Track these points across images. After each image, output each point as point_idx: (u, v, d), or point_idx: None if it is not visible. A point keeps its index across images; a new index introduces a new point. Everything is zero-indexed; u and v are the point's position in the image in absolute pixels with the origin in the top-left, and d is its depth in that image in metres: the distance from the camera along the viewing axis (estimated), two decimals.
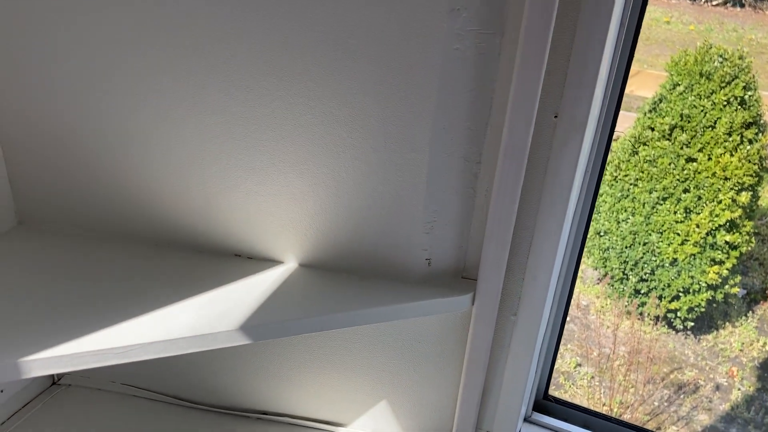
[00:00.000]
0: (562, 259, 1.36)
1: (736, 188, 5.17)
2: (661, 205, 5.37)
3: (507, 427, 1.47)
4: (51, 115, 1.33)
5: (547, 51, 1.07)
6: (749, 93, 5.15)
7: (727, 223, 5.22)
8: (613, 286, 5.72)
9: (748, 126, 5.16)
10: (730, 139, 5.14)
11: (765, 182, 5.29)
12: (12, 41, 1.28)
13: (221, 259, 1.37)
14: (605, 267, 5.70)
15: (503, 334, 1.37)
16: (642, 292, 5.53)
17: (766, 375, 5.44)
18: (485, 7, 1.08)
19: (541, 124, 1.15)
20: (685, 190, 5.28)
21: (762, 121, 5.25)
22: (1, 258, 1.34)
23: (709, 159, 5.18)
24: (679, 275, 5.36)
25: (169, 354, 1.15)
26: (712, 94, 5.19)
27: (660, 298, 5.46)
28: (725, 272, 5.34)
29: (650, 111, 5.48)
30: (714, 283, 5.33)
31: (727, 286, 5.44)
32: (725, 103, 5.15)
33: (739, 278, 5.52)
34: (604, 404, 5.07)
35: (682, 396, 5.24)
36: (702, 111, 5.20)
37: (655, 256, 5.41)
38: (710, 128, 5.18)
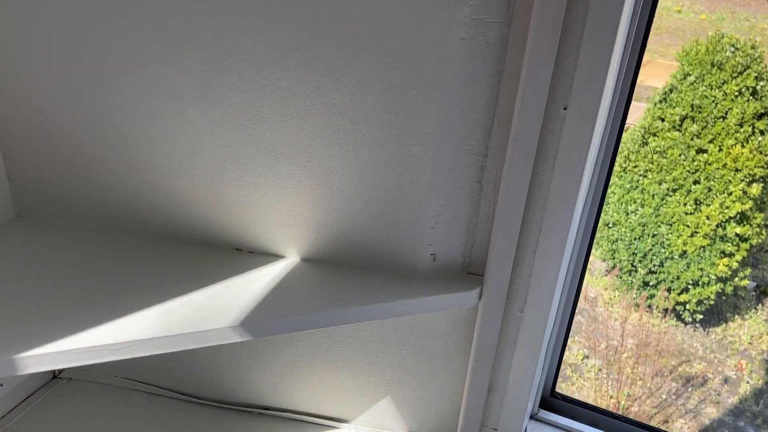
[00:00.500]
0: (570, 255, 1.33)
1: (747, 180, 5.12)
2: (671, 196, 5.32)
3: (513, 424, 1.44)
4: (49, 107, 1.31)
5: (558, 40, 1.04)
6: (761, 83, 5.08)
7: (738, 215, 5.17)
8: (621, 278, 5.68)
9: (760, 117, 5.10)
10: (742, 130, 5.08)
11: None
12: (9, 34, 1.25)
13: (222, 254, 1.35)
14: (613, 259, 5.67)
15: (509, 330, 1.34)
16: (651, 284, 5.49)
17: None
18: None
19: (549, 116, 1.12)
20: (696, 182, 5.22)
21: None
22: (0, 250, 1.32)
23: (720, 150, 5.13)
24: (688, 267, 5.31)
25: (167, 350, 1.13)
26: (723, 84, 5.12)
27: (669, 290, 5.42)
28: (735, 264, 5.29)
29: (660, 101, 5.42)
30: (724, 275, 5.29)
31: (737, 279, 5.39)
32: (737, 93, 5.09)
33: (749, 270, 5.47)
34: (611, 397, 5.05)
35: (690, 389, 5.21)
36: (713, 101, 5.14)
37: (664, 248, 5.36)
38: (721, 119, 5.12)
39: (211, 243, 1.36)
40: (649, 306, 5.55)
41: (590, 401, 5.05)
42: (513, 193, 1.17)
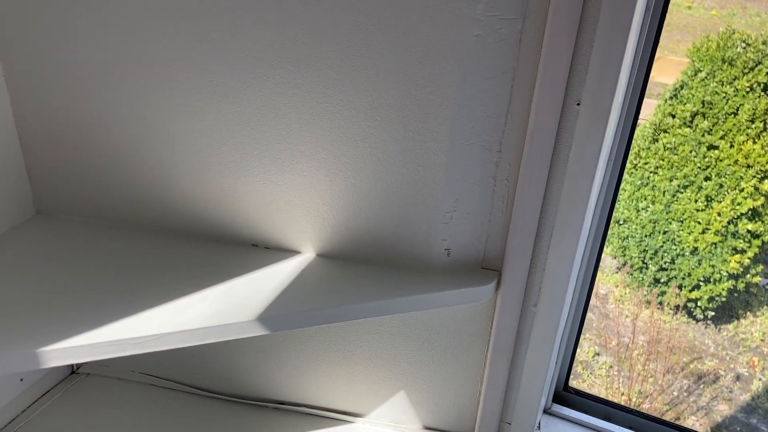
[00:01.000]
0: (583, 249, 1.34)
1: (759, 176, 5.09)
2: (682, 193, 5.30)
3: (527, 418, 1.45)
4: (69, 106, 1.33)
5: (575, 36, 1.05)
6: None
7: (750, 212, 5.15)
8: (632, 275, 5.66)
9: None
10: (753, 126, 5.05)
11: None
12: (30, 32, 1.28)
13: (238, 249, 1.36)
14: (624, 256, 5.65)
15: (524, 325, 1.35)
16: (662, 281, 5.47)
17: None
18: None
19: (563, 112, 1.13)
20: (707, 178, 5.20)
21: None
22: (20, 248, 1.34)
23: (732, 146, 5.10)
24: (699, 264, 5.29)
25: (185, 344, 1.15)
26: (734, 80, 5.10)
27: (680, 287, 5.40)
28: (747, 261, 5.27)
29: (671, 98, 5.40)
30: (735, 272, 5.26)
31: (748, 276, 5.37)
32: (748, 89, 5.06)
33: (761, 267, 5.44)
34: (622, 394, 5.04)
35: (701, 386, 5.20)
36: (724, 97, 5.12)
37: (675, 244, 5.35)
38: (733, 115, 5.10)
39: (229, 239, 1.38)
40: (660, 303, 5.53)
41: None
42: (530, 188, 1.19)
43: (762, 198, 5.14)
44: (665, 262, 5.43)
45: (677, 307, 5.50)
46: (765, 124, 5.08)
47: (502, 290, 1.30)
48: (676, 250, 5.37)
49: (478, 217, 1.26)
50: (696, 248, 5.29)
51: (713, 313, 5.54)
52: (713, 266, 5.28)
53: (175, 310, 1.18)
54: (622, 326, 5.60)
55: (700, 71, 5.27)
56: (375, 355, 1.48)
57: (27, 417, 1.52)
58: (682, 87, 5.38)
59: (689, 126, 5.27)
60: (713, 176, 5.19)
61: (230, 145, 1.28)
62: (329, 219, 1.31)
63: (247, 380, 1.60)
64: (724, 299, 5.43)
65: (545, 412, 1.51)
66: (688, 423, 4.90)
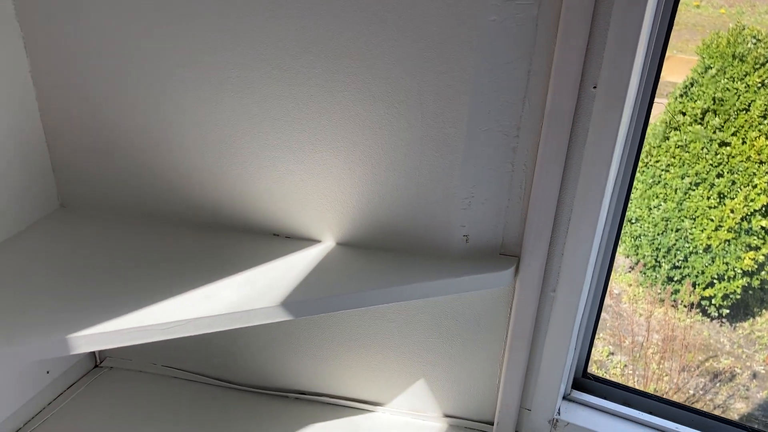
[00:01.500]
0: (601, 234, 1.35)
1: None
2: (694, 190, 5.28)
3: (547, 405, 1.46)
4: (91, 101, 1.36)
5: (591, 19, 1.06)
6: None
7: (763, 208, 5.12)
8: (645, 273, 5.64)
9: None
10: (766, 121, 5.03)
11: None
12: (57, 29, 1.30)
13: (260, 239, 1.38)
14: (637, 254, 5.63)
15: (543, 310, 1.36)
16: (675, 279, 5.45)
17: None
18: None
19: (580, 95, 1.14)
20: (719, 175, 5.18)
21: None
22: (45, 240, 1.37)
23: (744, 143, 5.09)
24: (713, 262, 5.27)
25: (211, 330, 1.17)
26: (745, 76, 5.09)
27: (694, 285, 5.38)
28: (761, 258, 5.23)
29: (681, 95, 5.39)
30: (750, 269, 5.23)
31: (763, 273, 5.33)
32: (759, 85, 5.05)
33: None
34: None
35: (717, 384, 5.17)
36: (735, 94, 5.10)
37: (688, 242, 5.33)
38: (744, 111, 5.08)
39: (250, 229, 1.40)
40: (674, 301, 5.51)
41: None
42: (548, 173, 1.20)
43: None
44: (678, 260, 5.40)
45: (691, 305, 5.47)
46: None
47: (521, 276, 1.31)
48: (689, 247, 5.35)
49: (497, 203, 1.28)
50: (709, 246, 5.27)
51: (728, 311, 5.51)
52: (727, 264, 5.26)
53: (200, 298, 1.20)
54: (636, 325, 5.57)
55: (711, 68, 5.26)
56: (394, 344, 1.50)
57: (53, 409, 1.55)
58: (692, 84, 5.37)
59: (700, 123, 5.25)
60: (725, 173, 5.17)
61: (251, 136, 1.30)
62: (349, 207, 1.33)
63: (267, 371, 1.62)
64: (738, 297, 5.39)
65: (564, 398, 1.51)
66: None
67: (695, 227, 5.29)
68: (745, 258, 5.21)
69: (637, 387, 5.06)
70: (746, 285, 5.33)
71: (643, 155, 5.50)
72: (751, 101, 5.04)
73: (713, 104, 5.20)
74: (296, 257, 1.33)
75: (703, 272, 5.32)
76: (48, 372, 1.52)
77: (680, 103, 5.37)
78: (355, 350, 1.53)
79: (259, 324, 1.20)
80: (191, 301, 1.19)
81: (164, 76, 1.29)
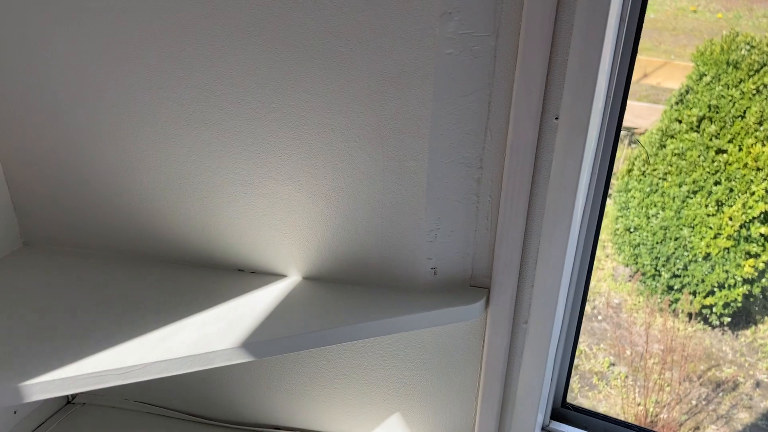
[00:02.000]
0: (572, 263, 1.32)
1: None
2: (692, 198, 5.25)
3: None
4: (52, 137, 1.34)
5: (549, 49, 1.04)
6: None
7: (762, 215, 5.08)
8: (645, 282, 5.60)
9: None
10: (762, 128, 5.00)
11: None
12: (10, 63, 1.29)
13: (224, 275, 1.36)
14: (636, 264, 5.60)
15: (516, 342, 1.33)
16: (675, 288, 5.41)
17: None
18: (478, 9, 1.05)
19: (542, 126, 1.12)
20: (716, 183, 5.15)
21: None
22: (7, 280, 1.35)
23: (740, 150, 5.05)
24: (713, 270, 5.23)
25: (169, 374, 1.14)
26: (740, 83, 5.06)
27: (694, 293, 5.33)
28: (762, 265, 5.19)
29: (677, 103, 5.36)
30: (750, 276, 5.19)
31: (764, 280, 5.29)
32: (755, 91, 5.02)
33: None
34: (639, 404, 4.97)
35: (720, 394, 5.11)
36: (731, 101, 5.07)
37: (687, 251, 5.29)
38: (740, 118, 5.05)
39: (213, 265, 1.38)
40: (674, 311, 5.46)
41: (617, 409, 4.98)
42: (514, 204, 1.17)
43: None
44: (678, 269, 5.37)
45: (691, 314, 5.43)
46: None
47: (492, 308, 1.28)
48: (688, 256, 5.31)
49: (463, 234, 1.25)
50: (708, 254, 5.23)
51: (729, 319, 5.46)
52: (727, 271, 5.21)
53: (159, 339, 1.18)
54: (636, 335, 5.53)
55: (705, 75, 5.24)
56: (368, 377, 1.47)
57: None
58: (687, 92, 5.35)
59: (696, 131, 5.22)
60: (723, 180, 5.14)
61: (212, 171, 1.27)
62: (314, 241, 1.30)
63: (242, 405, 1.59)
64: (740, 305, 5.35)
65: (543, 429, 1.48)
66: None
67: (694, 235, 5.25)
68: (745, 265, 5.16)
69: (638, 398, 5.02)
70: (747, 293, 5.28)
71: (639, 164, 5.48)
72: (747, 108, 5.01)
73: (709, 111, 5.17)
74: (261, 293, 1.30)
75: (703, 281, 5.28)
76: (15, 412, 1.50)
77: (676, 110, 5.34)
78: (330, 384, 1.50)
79: (220, 366, 1.17)
80: (150, 343, 1.17)
81: (121, 112, 1.27)
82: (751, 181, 5.04)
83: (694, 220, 5.25)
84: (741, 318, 5.58)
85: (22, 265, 1.39)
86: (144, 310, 1.26)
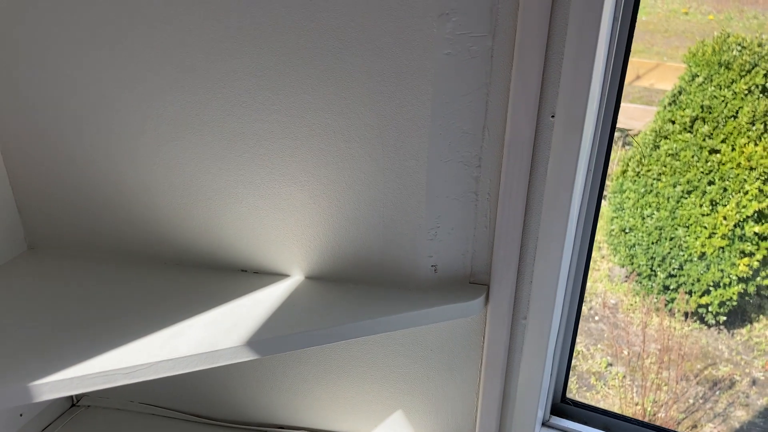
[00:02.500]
0: (569, 259, 1.34)
1: (763, 178, 5.07)
2: (686, 198, 5.28)
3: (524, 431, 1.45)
4: (56, 140, 1.36)
5: (545, 49, 1.06)
6: None
7: (755, 214, 5.12)
8: (641, 282, 5.63)
9: None
10: (754, 128, 5.04)
11: None
12: (15, 65, 1.31)
13: (227, 275, 1.38)
14: (632, 264, 5.63)
15: (515, 338, 1.35)
16: (671, 287, 5.44)
17: None
18: (475, 10, 1.07)
19: (538, 124, 1.14)
20: (710, 183, 5.19)
21: None
22: (12, 283, 1.36)
23: (733, 149, 5.09)
24: (708, 269, 5.26)
25: (176, 372, 1.16)
26: (732, 83, 5.10)
27: (689, 293, 5.36)
28: (756, 264, 5.22)
29: (670, 104, 5.40)
30: (745, 275, 5.22)
31: (759, 278, 5.32)
32: (746, 91, 5.06)
33: None
34: (636, 403, 4.99)
35: (717, 392, 5.14)
36: (723, 101, 5.11)
37: (682, 250, 5.32)
38: (732, 118, 5.09)
39: (217, 266, 1.40)
40: (670, 310, 5.49)
41: (616, 409, 4.99)
42: (512, 201, 1.20)
43: (767, 199, 5.11)
44: (673, 269, 5.40)
45: (687, 313, 5.46)
46: (765, 125, 5.07)
47: (491, 304, 1.31)
48: (683, 256, 5.34)
49: (463, 232, 1.27)
50: (704, 253, 5.26)
51: (725, 318, 5.49)
52: (722, 270, 5.25)
53: (165, 339, 1.20)
54: (633, 335, 5.56)
55: (698, 76, 5.28)
56: (370, 375, 1.49)
57: None
58: (680, 93, 5.39)
59: (690, 131, 5.26)
60: (716, 180, 5.17)
61: (214, 173, 1.29)
62: (315, 241, 1.32)
63: (246, 406, 1.61)
64: (735, 303, 5.38)
65: (543, 424, 1.50)
66: (705, 431, 4.83)
67: (689, 235, 5.28)
68: (739, 264, 5.20)
69: (635, 398, 5.04)
70: (742, 291, 5.32)
71: (634, 164, 5.51)
72: (739, 108, 5.05)
73: (701, 112, 5.21)
74: (264, 293, 1.32)
75: (698, 280, 5.31)
76: (21, 415, 1.51)
77: (669, 111, 5.38)
78: (332, 382, 1.52)
79: (226, 364, 1.19)
80: (156, 343, 1.18)
81: (124, 116, 1.29)
82: (745, 180, 5.08)
83: (688, 219, 5.28)
84: (736, 317, 5.61)
85: (27, 268, 1.41)
86: (149, 310, 1.28)
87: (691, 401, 5.05)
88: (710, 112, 5.17)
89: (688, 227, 5.30)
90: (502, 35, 1.09)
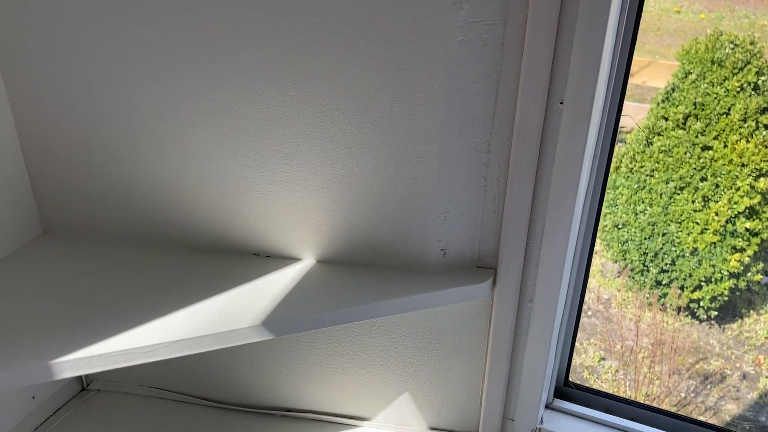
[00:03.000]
0: (575, 244, 1.38)
1: (754, 174, 5.13)
2: (679, 194, 5.34)
3: (529, 414, 1.48)
4: (71, 125, 1.38)
5: (555, 36, 1.09)
6: (762, 78, 5.12)
7: (747, 210, 5.18)
8: (633, 278, 5.69)
9: (763, 111, 5.12)
10: (746, 125, 5.10)
11: None
12: (34, 53, 1.33)
13: (240, 259, 1.40)
14: (625, 259, 5.68)
15: (521, 321, 1.38)
16: (663, 283, 5.50)
17: None
18: None
19: (547, 111, 1.17)
20: (702, 179, 5.25)
21: None
22: (28, 266, 1.38)
23: (725, 146, 5.15)
24: (700, 264, 5.32)
25: (193, 351, 1.19)
26: (725, 80, 5.16)
27: (681, 288, 5.42)
28: (747, 260, 5.29)
29: (663, 101, 5.46)
30: (736, 271, 5.28)
31: (749, 274, 5.39)
32: (739, 89, 5.12)
33: (761, 265, 5.46)
34: (629, 397, 5.04)
35: (708, 386, 5.20)
36: (716, 98, 5.17)
37: (674, 246, 5.38)
38: (725, 115, 5.15)
39: (230, 249, 1.42)
40: (663, 305, 5.55)
41: None
42: (520, 187, 1.23)
43: (758, 196, 5.18)
44: (666, 264, 5.45)
45: (680, 308, 5.52)
46: (757, 122, 5.13)
47: (498, 288, 1.34)
48: (675, 251, 5.40)
49: (472, 217, 1.30)
50: (696, 249, 5.32)
51: (716, 313, 5.56)
52: (714, 266, 5.30)
53: (182, 319, 1.22)
54: (625, 330, 5.61)
55: (691, 73, 5.33)
56: (378, 359, 1.52)
57: None
58: (673, 90, 5.44)
59: (682, 128, 5.32)
60: (709, 176, 5.23)
61: (229, 158, 1.32)
62: (327, 225, 1.35)
63: (254, 389, 1.64)
64: (726, 298, 5.44)
65: (547, 407, 1.53)
66: None
67: (681, 231, 5.34)
68: (731, 260, 5.26)
69: (628, 391, 5.09)
70: (733, 287, 5.38)
71: (627, 161, 5.57)
72: (731, 105, 5.11)
73: (694, 109, 5.26)
74: (276, 276, 1.35)
75: (690, 275, 5.37)
76: (34, 397, 1.53)
77: (662, 108, 5.43)
78: (340, 366, 1.55)
79: (241, 344, 1.21)
80: (173, 323, 1.21)
81: (139, 101, 1.31)
82: (737, 176, 5.15)
83: (681, 215, 5.34)
84: (727, 312, 5.68)
85: (43, 252, 1.43)
86: (164, 293, 1.30)
87: (682, 395, 5.11)
88: (703, 109, 5.23)
89: (680, 223, 5.35)
90: (513, 23, 1.12)
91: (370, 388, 1.56)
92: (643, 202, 5.51)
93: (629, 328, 5.60)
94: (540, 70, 1.13)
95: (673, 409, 4.99)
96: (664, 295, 5.52)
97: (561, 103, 1.16)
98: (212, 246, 1.43)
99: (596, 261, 6.28)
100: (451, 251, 1.34)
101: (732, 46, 5.17)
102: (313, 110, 1.24)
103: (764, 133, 5.10)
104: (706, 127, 5.21)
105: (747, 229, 5.22)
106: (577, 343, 5.47)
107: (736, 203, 5.16)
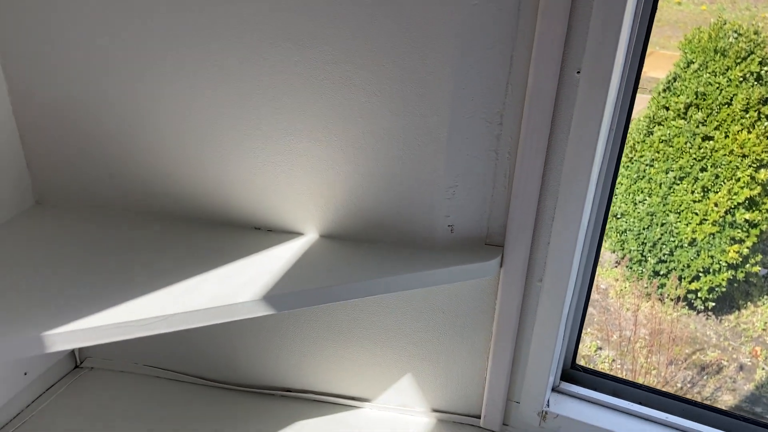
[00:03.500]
0: (587, 223, 1.34)
1: (755, 165, 5.10)
2: (678, 184, 5.31)
3: (535, 397, 1.44)
4: (65, 94, 1.33)
5: (570, 3, 1.05)
6: (765, 68, 5.08)
7: (746, 201, 5.16)
8: (631, 268, 5.67)
9: (765, 102, 5.09)
10: (747, 115, 5.07)
11: None
12: (27, 22, 1.27)
13: (240, 233, 1.36)
14: (623, 249, 5.65)
15: (529, 300, 1.34)
16: (661, 273, 5.48)
17: None
18: None
19: (563, 81, 1.13)
20: (702, 169, 5.21)
21: None
22: (21, 237, 1.34)
23: (726, 136, 5.12)
24: (698, 255, 5.30)
25: (192, 325, 1.14)
26: (727, 70, 5.12)
27: (680, 278, 5.40)
28: (746, 251, 5.27)
29: (664, 90, 5.41)
30: (734, 262, 5.26)
31: (747, 265, 5.37)
32: (741, 79, 5.08)
33: (760, 257, 5.45)
34: None
35: (705, 377, 5.19)
36: (718, 88, 5.13)
37: (673, 236, 5.35)
38: (726, 105, 5.12)
39: (231, 222, 1.37)
40: (661, 295, 5.53)
41: None
42: (530, 159, 1.19)
43: (758, 187, 5.15)
44: (664, 254, 5.43)
45: (677, 298, 5.50)
46: (759, 113, 5.09)
47: (506, 266, 1.30)
48: (674, 241, 5.38)
49: (481, 192, 1.26)
50: (694, 239, 5.30)
51: (714, 304, 5.54)
52: (712, 257, 5.28)
53: (180, 293, 1.18)
54: (623, 319, 5.59)
55: (693, 63, 5.29)
56: (380, 339, 1.48)
57: (32, 411, 1.51)
58: (675, 79, 5.40)
59: (684, 118, 5.28)
60: (709, 167, 5.20)
61: (230, 126, 1.27)
62: (331, 199, 1.30)
63: (252, 369, 1.59)
64: (724, 290, 5.43)
65: (554, 389, 1.50)
66: None
67: (680, 221, 5.31)
68: (729, 251, 5.24)
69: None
70: (731, 278, 5.36)
71: (627, 150, 5.53)
72: (733, 95, 5.07)
73: (696, 99, 5.23)
74: (278, 250, 1.30)
75: (688, 266, 5.35)
76: (26, 373, 1.49)
77: (663, 98, 5.39)
78: (341, 346, 1.51)
79: (242, 319, 1.17)
80: (171, 296, 1.17)
81: (139, 68, 1.26)
82: (737, 167, 5.11)
83: (680, 206, 5.31)
84: (725, 303, 5.66)
85: (36, 222, 1.38)
86: (161, 265, 1.26)
87: (679, 385, 5.10)
88: (704, 99, 5.19)
89: (679, 213, 5.32)
90: None
91: (371, 368, 1.52)
92: (642, 191, 5.48)
93: (626, 318, 5.59)
94: (555, 36, 1.08)
95: None
96: (663, 285, 5.50)
97: (578, 72, 1.11)
98: (212, 218, 1.38)
99: None
100: (458, 227, 1.29)
101: (736, 35, 5.13)
102: (318, 77, 1.19)
103: (766, 123, 5.07)
104: (707, 117, 5.17)
105: (746, 221, 5.19)
106: None
107: (735, 194, 5.14)
